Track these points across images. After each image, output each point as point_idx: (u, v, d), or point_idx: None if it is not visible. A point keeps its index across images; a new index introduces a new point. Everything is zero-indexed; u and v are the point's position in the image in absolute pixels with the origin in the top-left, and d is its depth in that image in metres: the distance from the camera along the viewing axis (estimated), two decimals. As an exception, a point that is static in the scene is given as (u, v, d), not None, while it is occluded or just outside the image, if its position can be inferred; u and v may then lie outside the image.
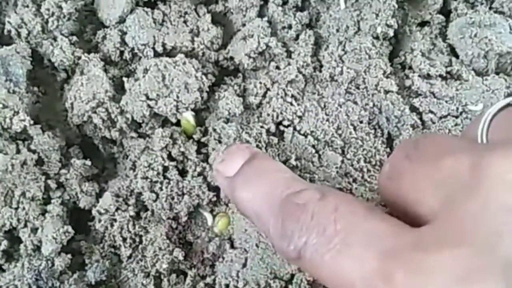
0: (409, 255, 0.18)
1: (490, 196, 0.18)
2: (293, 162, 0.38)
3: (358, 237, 0.21)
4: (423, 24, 0.45)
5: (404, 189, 0.22)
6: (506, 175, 0.18)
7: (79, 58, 0.41)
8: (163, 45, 0.41)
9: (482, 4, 0.45)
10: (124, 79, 0.40)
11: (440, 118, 0.41)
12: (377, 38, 0.42)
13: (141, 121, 0.40)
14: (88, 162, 0.39)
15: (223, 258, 0.37)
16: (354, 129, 0.40)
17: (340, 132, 0.40)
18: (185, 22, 0.42)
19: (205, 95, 0.40)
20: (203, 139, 0.40)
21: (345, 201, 0.23)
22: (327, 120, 0.40)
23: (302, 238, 0.23)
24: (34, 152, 0.38)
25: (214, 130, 0.40)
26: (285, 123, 0.40)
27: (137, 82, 0.39)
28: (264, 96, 0.41)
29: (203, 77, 0.40)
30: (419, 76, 0.42)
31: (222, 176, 0.32)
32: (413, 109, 0.41)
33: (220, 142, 0.39)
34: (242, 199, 0.31)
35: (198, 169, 0.38)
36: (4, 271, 0.36)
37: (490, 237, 0.17)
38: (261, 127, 0.40)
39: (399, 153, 0.25)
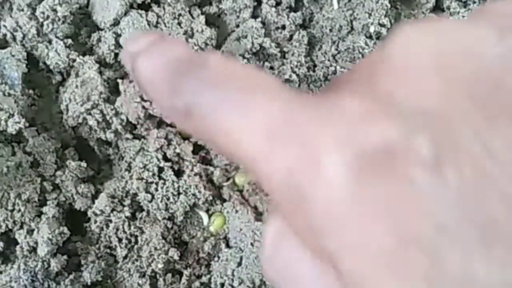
0: (311, 103, 0.17)
1: (391, 54, 0.17)
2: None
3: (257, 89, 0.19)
4: (416, 23, 0.45)
5: None
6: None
7: (74, 60, 0.41)
8: (158, 46, 0.41)
9: (474, 2, 0.45)
10: (119, 81, 0.40)
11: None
12: (370, 37, 0.43)
13: (136, 123, 0.40)
14: (84, 164, 0.39)
15: (219, 257, 0.37)
16: (348, 127, 0.40)
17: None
18: (179, 24, 0.42)
19: (199, 96, 0.40)
20: (200, 142, 0.40)
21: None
22: (321, 119, 0.40)
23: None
24: (29, 154, 0.38)
25: None
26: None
27: (131, 83, 0.40)
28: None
29: (198, 78, 0.40)
30: (413, 74, 0.42)
31: None
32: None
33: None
34: None
35: (195, 170, 0.38)
36: (0, 272, 0.37)
37: (388, 88, 0.16)
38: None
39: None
